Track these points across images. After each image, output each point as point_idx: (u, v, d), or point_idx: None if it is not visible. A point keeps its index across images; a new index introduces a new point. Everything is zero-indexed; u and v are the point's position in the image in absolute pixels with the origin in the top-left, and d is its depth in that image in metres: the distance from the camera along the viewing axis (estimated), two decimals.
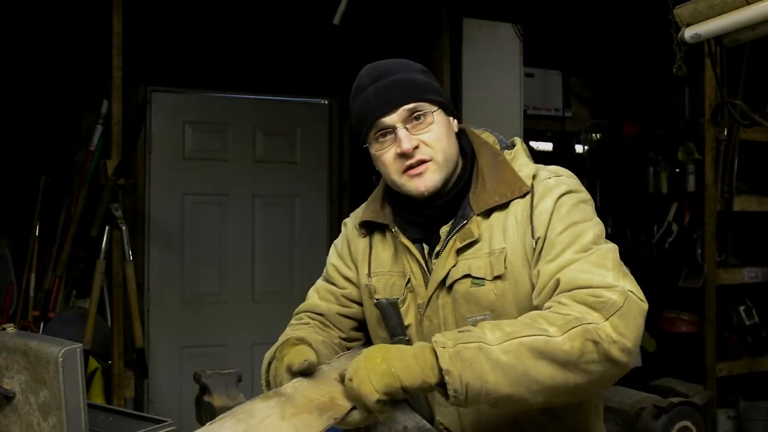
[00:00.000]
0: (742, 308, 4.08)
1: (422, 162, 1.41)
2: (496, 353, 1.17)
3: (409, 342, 1.46)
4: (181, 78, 4.09)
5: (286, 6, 3.99)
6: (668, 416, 3.17)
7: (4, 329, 1.37)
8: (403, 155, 1.41)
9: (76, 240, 3.60)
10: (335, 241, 1.71)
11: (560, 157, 4.39)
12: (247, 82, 4.23)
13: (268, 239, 4.35)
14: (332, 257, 1.68)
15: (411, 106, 1.41)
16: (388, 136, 1.43)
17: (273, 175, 4.36)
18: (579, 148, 4.63)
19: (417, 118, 1.41)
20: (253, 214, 4.33)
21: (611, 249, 1.34)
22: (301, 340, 1.42)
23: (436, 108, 1.43)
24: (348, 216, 1.72)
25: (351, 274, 1.63)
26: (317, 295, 1.67)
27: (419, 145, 1.41)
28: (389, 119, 1.41)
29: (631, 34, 4.26)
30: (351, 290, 1.63)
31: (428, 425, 1.39)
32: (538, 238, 1.37)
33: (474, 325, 1.27)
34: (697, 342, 3.87)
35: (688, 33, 2.26)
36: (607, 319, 1.20)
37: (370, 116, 1.42)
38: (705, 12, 2.20)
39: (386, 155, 1.43)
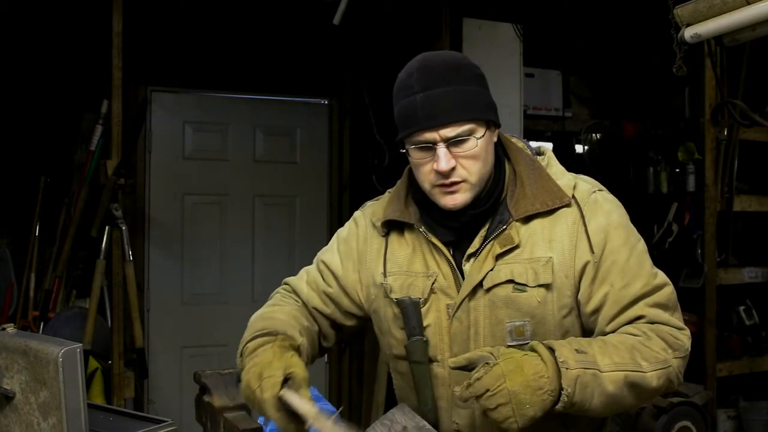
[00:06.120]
0: (742, 308, 4.08)
1: (456, 183, 1.40)
2: (605, 383, 1.30)
3: (426, 343, 1.47)
4: (181, 78, 4.09)
5: (286, 6, 3.99)
6: (668, 416, 3.17)
7: (4, 329, 1.37)
8: (439, 172, 1.39)
9: (76, 240, 3.59)
10: (340, 232, 1.67)
11: (560, 157, 4.37)
12: (247, 82, 4.23)
13: (268, 239, 4.35)
14: (330, 252, 1.64)
15: (457, 126, 1.37)
16: (429, 151, 1.40)
17: (273, 175, 4.35)
18: (579, 148, 4.63)
19: (460, 139, 1.38)
20: (253, 214, 4.33)
21: (669, 284, 1.46)
22: (291, 342, 1.41)
23: (482, 132, 1.40)
24: (351, 213, 1.68)
25: (340, 274, 1.60)
26: (306, 277, 1.65)
27: (456, 166, 1.39)
28: (432, 135, 1.38)
29: (631, 35, 4.26)
30: (335, 291, 1.61)
31: (428, 425, 1.39)
32: (597, 255, 1.42)
33: (512, 330, 1.42)
34: (697, 342, 3.84)
35: (688, 33, 2.25)
36: (675, 359, 1.39)
37: (414, 125, 1.39)
38: (705, 12, 2.20)
39: (424, 167, 1.42)
